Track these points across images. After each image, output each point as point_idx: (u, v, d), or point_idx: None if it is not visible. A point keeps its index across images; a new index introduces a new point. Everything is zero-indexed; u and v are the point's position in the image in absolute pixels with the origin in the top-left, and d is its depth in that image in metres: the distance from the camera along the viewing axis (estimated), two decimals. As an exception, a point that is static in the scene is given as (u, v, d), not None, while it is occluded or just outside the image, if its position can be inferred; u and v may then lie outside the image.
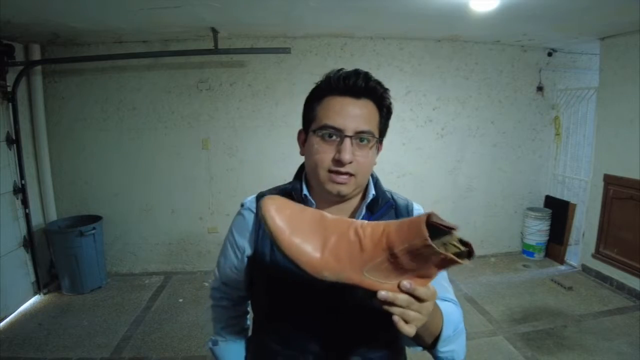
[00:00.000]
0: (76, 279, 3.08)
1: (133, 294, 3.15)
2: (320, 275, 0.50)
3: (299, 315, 0.76)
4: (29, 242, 3.04)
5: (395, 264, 0.48)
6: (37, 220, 3.17)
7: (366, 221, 0.53)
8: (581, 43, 3.43)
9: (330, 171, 0.71)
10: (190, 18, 2.60)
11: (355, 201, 0.80)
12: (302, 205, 0.56)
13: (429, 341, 0.66)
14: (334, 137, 0.71)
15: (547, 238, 3.74)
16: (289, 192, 0.80)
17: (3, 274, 2.74)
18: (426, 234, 0.44)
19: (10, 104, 2.89)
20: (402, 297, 0.50)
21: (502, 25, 2.89)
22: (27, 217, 3.02)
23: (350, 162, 0.70)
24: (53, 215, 3.31)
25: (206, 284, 3.32)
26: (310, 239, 0.51)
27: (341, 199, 0.75)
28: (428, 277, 0.51)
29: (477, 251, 3.87)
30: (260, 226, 0.80)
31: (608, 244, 3.19)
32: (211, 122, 3.39)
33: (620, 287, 3.05)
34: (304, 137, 0.79)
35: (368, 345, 0.78)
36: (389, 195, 0.82)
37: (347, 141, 0.69)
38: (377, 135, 0.74)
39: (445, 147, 3.67)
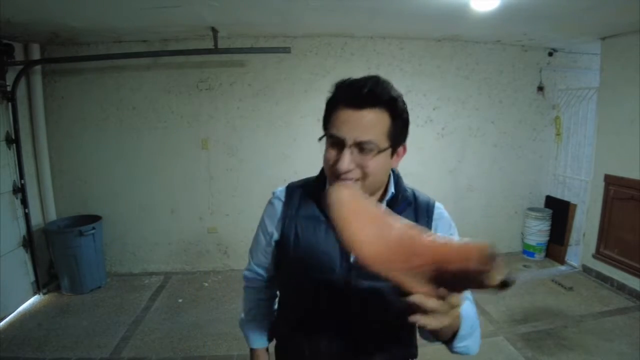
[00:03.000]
0: (76, 279, 3.07)
1: (132, 294, 3.14)
2: (373, 268, 0.54)
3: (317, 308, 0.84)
4: (29, 242, 3.04)
5: (437, 277, 0.52)
6: (36, 220, 3.16)
7: (423, 228, 0.56)
8: (582, 43, 3.42)
9: (333, 173, 0.76)
10: (190, 17, 2.60)
11: (374, 198, 0.83)
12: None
13: (447, 337, 0.70)
14: (338, 145, 0.75)
15: (547, 238, 3.73)
16: (312, 184, 0.89)
17: (2, 273, 2.74)
18: (491, 265, 0.49)
19: (9, 104, 2.89)
20: (432, 304, 0.53)
21: (503, 25, 2.88)
22: (27, 216, 3.02)
23: (350, 171, 0.73)
24: (52, 215, 3.30)
25: (206, 284, 3.31)
26: (370, 227, 0.55)
27: None
28: (459, 291, 0.55)
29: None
30: (287, 214, 0.87)
31: (609, 245, 3.18)
32: (211, 121, 3.38)
33: (621, 288, 3.04)
34: None
35: (387, 341, 0.85)
36: (410, 193, 0.87)
37: (346, 152, 0.73)
38: (382, 144, 0.74)
39: (445, 147, 3.66)
